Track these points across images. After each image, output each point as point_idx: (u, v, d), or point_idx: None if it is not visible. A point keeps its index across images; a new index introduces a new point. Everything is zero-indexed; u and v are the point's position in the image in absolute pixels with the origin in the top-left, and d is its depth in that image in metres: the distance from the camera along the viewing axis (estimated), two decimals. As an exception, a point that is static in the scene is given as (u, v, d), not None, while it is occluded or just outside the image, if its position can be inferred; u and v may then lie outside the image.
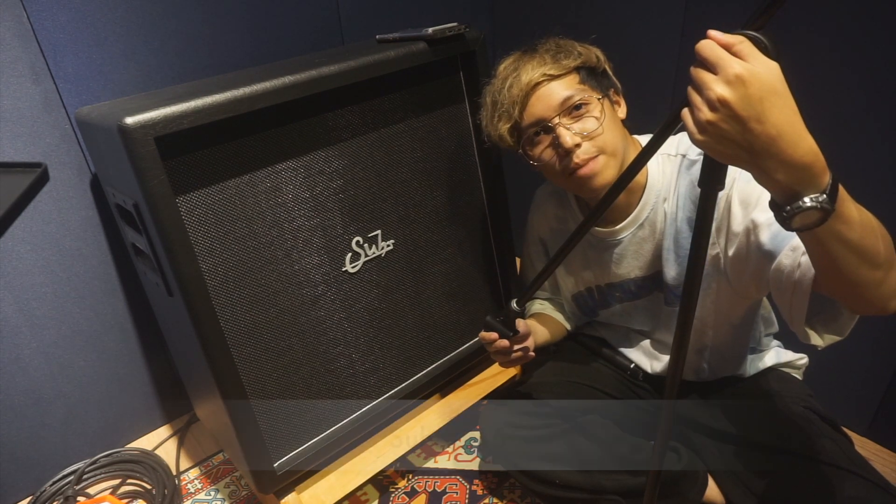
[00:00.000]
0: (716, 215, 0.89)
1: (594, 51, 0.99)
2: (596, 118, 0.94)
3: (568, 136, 0.93)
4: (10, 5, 1.04)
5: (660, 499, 0.84)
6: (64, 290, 1.25)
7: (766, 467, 0.99)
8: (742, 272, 0.91)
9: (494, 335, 1.06)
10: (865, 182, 1.11)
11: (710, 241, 0.90)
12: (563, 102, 0.94)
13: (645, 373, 1.18)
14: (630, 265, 1.08)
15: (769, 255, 0.82)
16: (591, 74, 0.97)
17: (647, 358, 1.17)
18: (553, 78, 0.94)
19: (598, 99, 0.95)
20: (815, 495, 0.91)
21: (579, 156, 0.94)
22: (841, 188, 0.59)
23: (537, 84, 0.94)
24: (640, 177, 0.99)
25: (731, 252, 0.91)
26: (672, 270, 1.02)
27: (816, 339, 0.79)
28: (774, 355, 1.13)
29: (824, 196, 0.56)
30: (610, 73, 1.00)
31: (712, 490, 1.10)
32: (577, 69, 0.96)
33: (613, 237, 1.06)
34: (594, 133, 0.94)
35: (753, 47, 0.53)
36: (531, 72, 0.94)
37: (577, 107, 0.94)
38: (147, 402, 1.46)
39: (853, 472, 0.91)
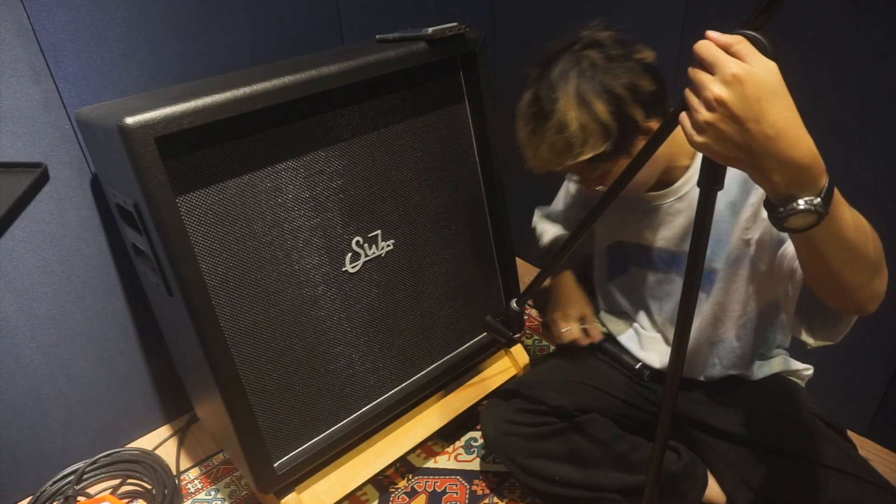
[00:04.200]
0: (754, 200, 0.91)
1: (600, 118, 0.85)
2: (608, 182, 0.94)
3: (588, 189, 0.99)
4: (10, 5, 1.04)
5: (659, 498, 0.84)
6: (64, 290, 1.25)
7: (769, 469, 0.99)
8: (763, 259, 0.92)
9: (577, 336, 1.15)
10: (862, 183, 1.11)
11: (746, 226, 0.93)
12: (575, 175, 0.97)
13: (653, 371, 1.17)
14: (660, 234, 1.08)
15: (781, 242, 0.84)
16: (599, 156, 0.89)
17: (658, 354, 1.17)
18: (559, 170, 0.93)
19: (612, 166, 0.92)
20: (819, 498, 0.91)
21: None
22: (836, 191, 0.58)
23: (549, 170, 0.93)
24: (690, 151, 0.99)
25: (757, 236, 0.93)
26: None
27: (807, 337, 0.80)
28: (782, 362, 1.13)
29: (819, 199, 0.56)
30: (638, 113, 0.87)
31: (713, 490, 1.10)
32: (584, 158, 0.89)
33: (652, 202, 1.06)
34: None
35: (752, 47, 0.53)
36: (539, 161, 0.92)
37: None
38: (147, 402, 1.46)
39: (857, 477, 0.91)
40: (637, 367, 1.19)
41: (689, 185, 1.02)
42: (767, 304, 1.02)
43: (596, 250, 1.25)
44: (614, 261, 1.20)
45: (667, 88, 0.94)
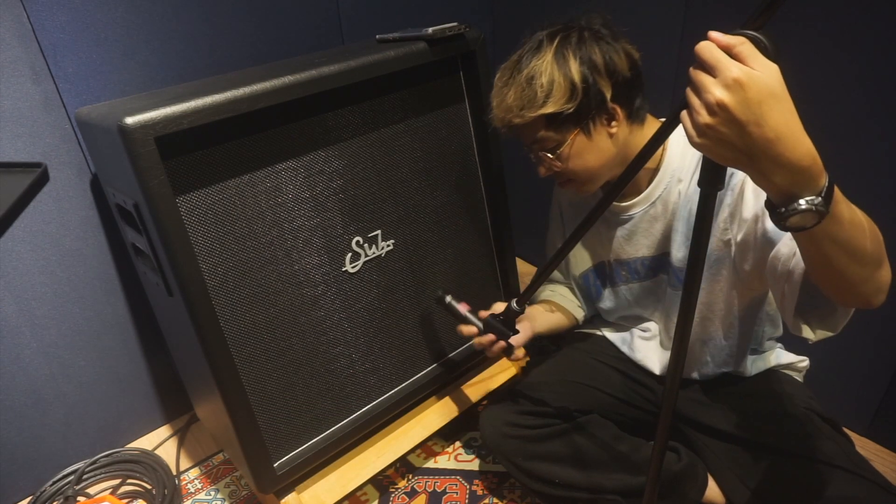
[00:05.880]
0: (730, 201, 0.91)
1: (572, 76, 0.90)
2: (560, 157, 0.96)
3: (540, 167, 1.00)
4: (10, 5, 1.04)
5: (660, 498, 0.84)
6: (64, 290, 1.25)
7: (765, 467, 0.99)
8: (746, 259, 0.92)
9: (488, 338, 1.10)
10: (863, 182, 1.11)
11: (724, 227, 0.93)
12: (530, 142, 0.98)
13: (652, 374, 1.17)
14: (639, 243, 1.08)
15: (770, 243, 0.83)
16: (559, 117, 0.92)
17: (657, 358, 1.17)
18: (518, 124, 0.96)
19: (568, 137, 0.95)
20: (816, 495, 0.91)
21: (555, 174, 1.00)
22: (836, 189, 0.59)
23: (509, 122, 0.97)
24: (656, 154, 0.98)
25: (739, 238, 0.92)
26: (679, 252, 1.02)
27: (808, 333, 0.80)
28: (776, 357, 1.13)
29: (819, 199, 0.56)
30: (607, 88, 0.91)
31: (712, 490, 1.10)
32: (541, 116, 0.93)
33: (625, 213, 1.07)
34: (560, 168, 0.98)
35: (754, 48, 0.53)
36: (502, 110, 0.96)
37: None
38: (147, 402, 1.46)
39: (854, 473, 0.91)
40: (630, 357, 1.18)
41: (661, 189, 1.02)
42: (751, 300, 1.02)
43: (574, 280, 1.26)
44: (601, 281, 1.20)
45: (644, 87, 0.97)
